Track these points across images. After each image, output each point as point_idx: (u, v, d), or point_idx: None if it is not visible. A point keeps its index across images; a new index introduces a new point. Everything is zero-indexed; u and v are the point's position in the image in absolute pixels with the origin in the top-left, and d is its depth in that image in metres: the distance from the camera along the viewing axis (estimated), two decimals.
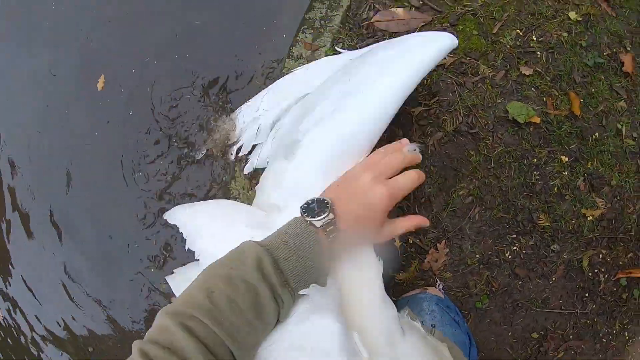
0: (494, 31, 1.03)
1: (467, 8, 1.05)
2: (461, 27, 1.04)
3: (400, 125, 0.99)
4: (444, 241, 0.99)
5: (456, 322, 0.84)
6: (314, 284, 0.44)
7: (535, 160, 1.00)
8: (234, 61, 1.16)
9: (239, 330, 0.39)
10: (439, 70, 1.01)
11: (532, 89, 1.02)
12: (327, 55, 1.05)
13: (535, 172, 1.00)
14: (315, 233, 0.46)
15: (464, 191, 0.99)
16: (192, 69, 1.17)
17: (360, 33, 1.05)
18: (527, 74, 1.01)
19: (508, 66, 1.02)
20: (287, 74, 0.98)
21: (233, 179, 1.09)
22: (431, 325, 0.80)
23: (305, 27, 1.11)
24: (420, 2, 1.06)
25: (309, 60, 1.06)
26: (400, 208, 0.99)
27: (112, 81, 1.22)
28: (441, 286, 0.99)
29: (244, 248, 0.45)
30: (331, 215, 0.47)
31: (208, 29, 1.19)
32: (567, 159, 1.01)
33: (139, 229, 1.20)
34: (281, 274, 0.43)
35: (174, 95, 1.18)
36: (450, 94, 1.00)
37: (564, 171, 1.01)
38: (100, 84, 1.23)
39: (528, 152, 1.00)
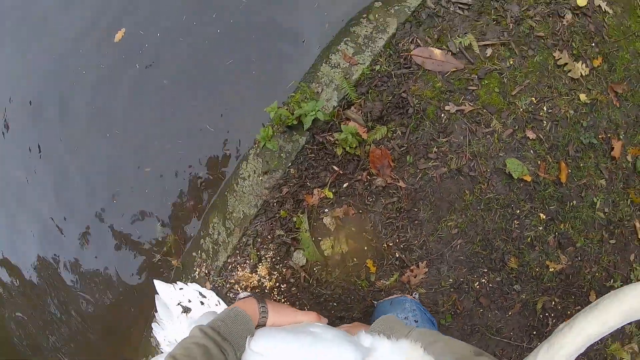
0: (513, 93, 1.18)
1: (496, 66, 1.18)
2: (486, 82, 1.18)
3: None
4: (426, 261, 1.14)
5: (431, 322, 0.97)
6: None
7: (518, 211, 1.15)
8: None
9: None
10: (457, 114, 1.15)
11: (531, 151, 1.17)
12: (364, 73, 1.17)
13: (515, 221, 1.16)
14: (243, 313, 0.72)
15: (452, 223, 1.14)
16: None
17: (398, 62, 1.18)
18: (531, 138, 1.16)
19: (516, 127, 1.16)
20: None
21: (245, 161, 1.21)
22: (415, 321, 0.92)
23: (348, 39, 1.22)
24: (458, 50, 1.19)
25: (344, 71, 1.18)
26: (397, 227, 1.13)
27: None
28: (417, 296, 1.14)
29: (191, 331, 0.69)
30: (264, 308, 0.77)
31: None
32: (544, 217, 1.17)
33: None
34: (218, 334, 0.66)
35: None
36: (462, 138, 1.14)
37: (540, 226, 1.17)
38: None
39: (514, 203, 1.15)
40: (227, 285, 1.23)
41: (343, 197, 1.14)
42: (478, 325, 1.20)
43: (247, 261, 1.19)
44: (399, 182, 1.12)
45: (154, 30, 1.35)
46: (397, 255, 1.14)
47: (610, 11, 1.27)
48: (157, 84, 1.34)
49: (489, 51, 1.19)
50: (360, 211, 1.13)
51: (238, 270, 1.22)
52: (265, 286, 1.19)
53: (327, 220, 1.11)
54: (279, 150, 1.15)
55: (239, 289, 1.24)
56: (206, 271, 1.28)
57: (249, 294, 0.79)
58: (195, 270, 1.30)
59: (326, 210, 1.13)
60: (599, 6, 1.25)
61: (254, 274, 1.20)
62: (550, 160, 1.17)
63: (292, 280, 1.18)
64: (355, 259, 1.14)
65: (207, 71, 1.34)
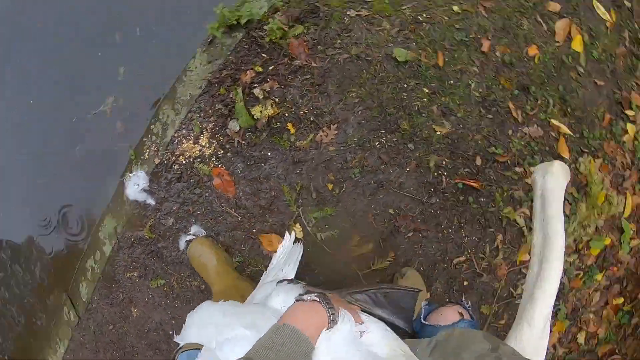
0: (400, 4, 1.57)
1: None
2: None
3: None
4: (335, 124, 1.45)
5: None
6: None
7: (405, 85, 1.49)
8: None
9: None
10: (356, 17, 1.53)
11: (414, 43, 1.53)
12: None
13: (404, 93, 1.48)
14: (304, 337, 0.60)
15: (354, 94, 1.47)
16: None
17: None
18: (413, 33, 1.53)
19: (402, 27, 1.54)
20: None
21: (193, 58, 1.56)
22: None
23: None
24: None
25: None
26: (311, 97, 1.46)
27: None
28: (468, 305, 1.03)
29: None
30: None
31: None
32: (427, 91, 1.50)
33: None
34: None
35: None
36: (360, 32, 1.51)
37: (424, 98, 1.49)
38: None
39: (402, 79, 1.49)
40: (173, 158, 1.52)
41: (270, 76, 1.48)
42: (383, 180, 1.47)
43: (192, 133, 1.51)
44: (312, 63, 1.47)
45: None
46: (312, 119, 1.45)
47: None
48: None
49: None
50: (283, 86, 1.47)
51: (183, 142, 1.52)
52: (205, 154, 1.49)
53: (256, 91, 1.45)
54: (221, 43, 1.53)
55: (183, 160, 1.53)
56: (155, 149, 1.57)
57: (313, 295, 0.66)
58: (145, 152, 1.58)
59: (256, 84, 1.47)
60: None
61: (196, 144, 1.51)
62: (430, 51, 1.53)
63: (227, 146, 1.48)
64: (278, 123, 1.46)
65: None
